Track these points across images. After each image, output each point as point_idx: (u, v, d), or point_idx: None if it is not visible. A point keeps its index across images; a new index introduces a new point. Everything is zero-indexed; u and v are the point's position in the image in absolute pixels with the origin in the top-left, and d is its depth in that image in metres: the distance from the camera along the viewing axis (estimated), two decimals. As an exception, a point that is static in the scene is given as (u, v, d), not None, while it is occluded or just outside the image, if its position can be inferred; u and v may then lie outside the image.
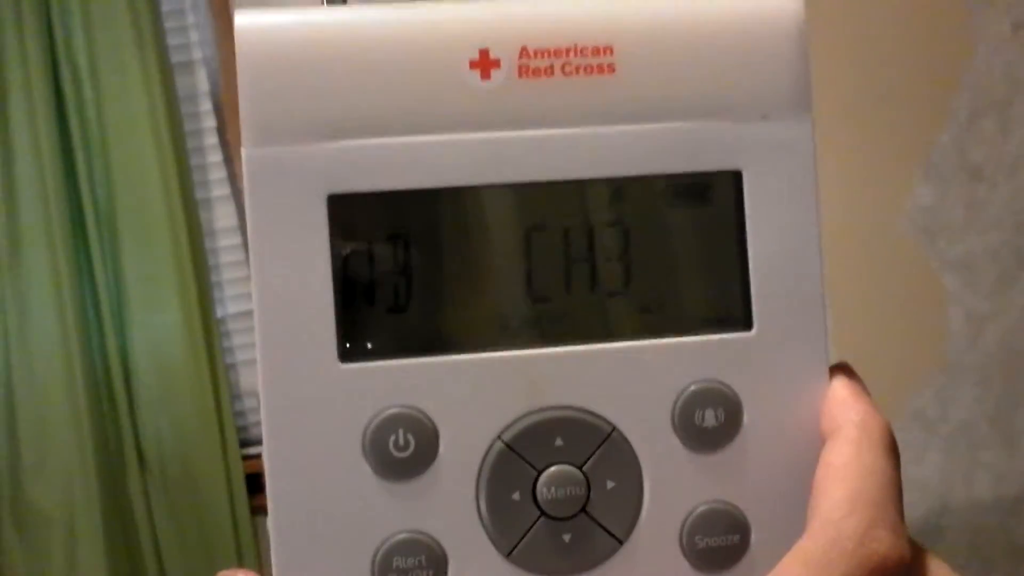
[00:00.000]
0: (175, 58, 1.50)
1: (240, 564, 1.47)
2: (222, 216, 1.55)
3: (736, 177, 0.28)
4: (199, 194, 1.51)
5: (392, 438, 0.27)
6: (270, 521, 0.27)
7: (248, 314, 1.49)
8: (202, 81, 1.54)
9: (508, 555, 0.27)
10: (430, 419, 0.27)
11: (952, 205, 1.59)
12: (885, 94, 1.54)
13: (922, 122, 1.57)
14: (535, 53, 0.27)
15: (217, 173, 1.55)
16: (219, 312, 1.52)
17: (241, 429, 1.54)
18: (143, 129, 1.42)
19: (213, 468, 1.47)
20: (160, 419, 1.46)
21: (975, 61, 1.56)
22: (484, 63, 0.27)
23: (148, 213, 1.43)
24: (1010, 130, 1.59)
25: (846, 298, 1.53)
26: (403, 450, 0.27)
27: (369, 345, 0.27)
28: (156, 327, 1.45)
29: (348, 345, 0.27)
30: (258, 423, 0.27)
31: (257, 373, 0.27)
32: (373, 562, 0.27)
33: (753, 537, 0.28)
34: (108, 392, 1.45)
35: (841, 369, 0.28)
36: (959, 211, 1.59)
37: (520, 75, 0.27)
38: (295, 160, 0.27)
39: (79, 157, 1.41)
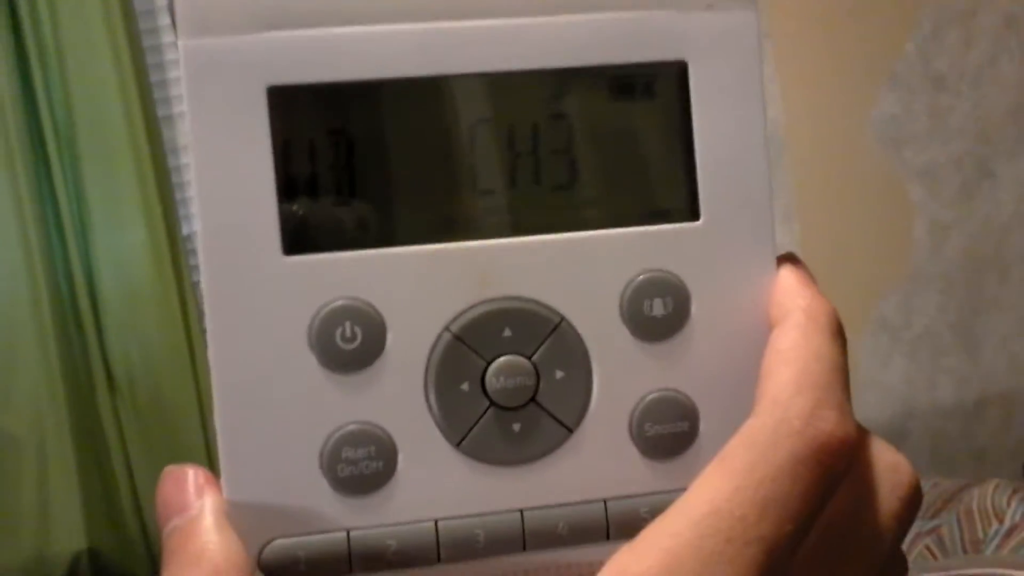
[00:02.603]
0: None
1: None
2: (185, 132, 1.52)
3: (681, 67, 0.28)
4: (160, 111, 1.48)
5: (339, 330, 0.26)
6: (216, 417, 0.26)
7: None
8: (160, -5, 1.50)
9: (458, 445, 0.27)
10: (377, 311, 0.27)
11: (916, 115, 1.59)
12: (851, 5, 1.54)
13: (887, 32, 1.57)
14: None
15: (178, 89, 1.52)
16: (185, 230, 1.51)
17: (211, 347, 1.52)
18: (101, 46, 1.38)
19: (183, 386, 1.46)
20: (128, 339, 1.45)
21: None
22: None
23: (109, 132, 1.40)
24: (974, 40, 1.60)
25: (813, 207, 1.54)
26: (350, 342, 0.26)
27: (313, 238, 0.27)
28: (121, 247, 1.43)
29: (292, 238, 0.26)
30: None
31: (200, 271, 0.26)
32: (322, 454, 0.26)
33: (702, 424, 0.28)
34: (74, 314, 1.43)
35: (788, 259, 0.29)
36: (923, 121, 1.60)
37: None
38: (233, 51, 0.26)
39: (36, 77, 1.38)
